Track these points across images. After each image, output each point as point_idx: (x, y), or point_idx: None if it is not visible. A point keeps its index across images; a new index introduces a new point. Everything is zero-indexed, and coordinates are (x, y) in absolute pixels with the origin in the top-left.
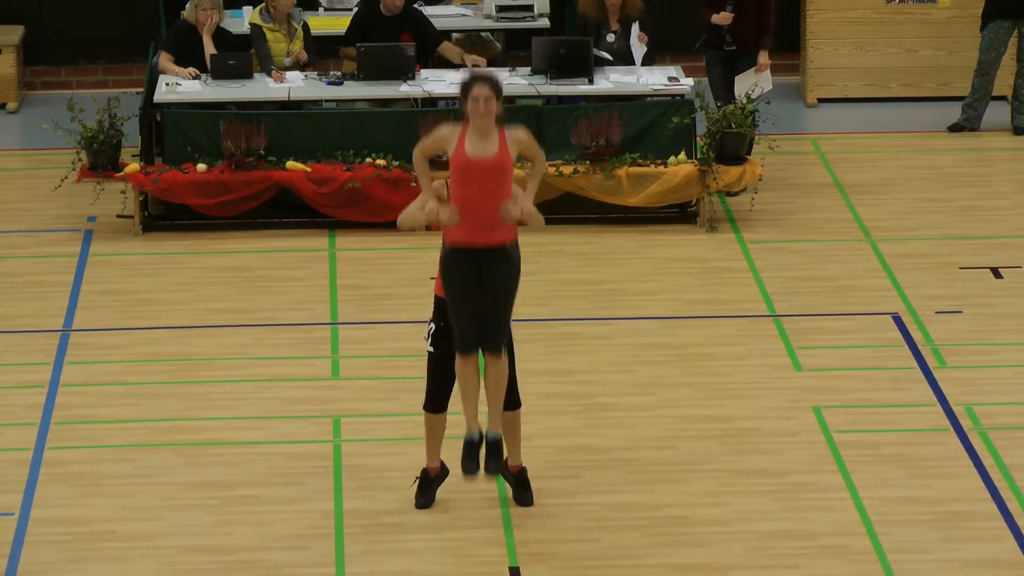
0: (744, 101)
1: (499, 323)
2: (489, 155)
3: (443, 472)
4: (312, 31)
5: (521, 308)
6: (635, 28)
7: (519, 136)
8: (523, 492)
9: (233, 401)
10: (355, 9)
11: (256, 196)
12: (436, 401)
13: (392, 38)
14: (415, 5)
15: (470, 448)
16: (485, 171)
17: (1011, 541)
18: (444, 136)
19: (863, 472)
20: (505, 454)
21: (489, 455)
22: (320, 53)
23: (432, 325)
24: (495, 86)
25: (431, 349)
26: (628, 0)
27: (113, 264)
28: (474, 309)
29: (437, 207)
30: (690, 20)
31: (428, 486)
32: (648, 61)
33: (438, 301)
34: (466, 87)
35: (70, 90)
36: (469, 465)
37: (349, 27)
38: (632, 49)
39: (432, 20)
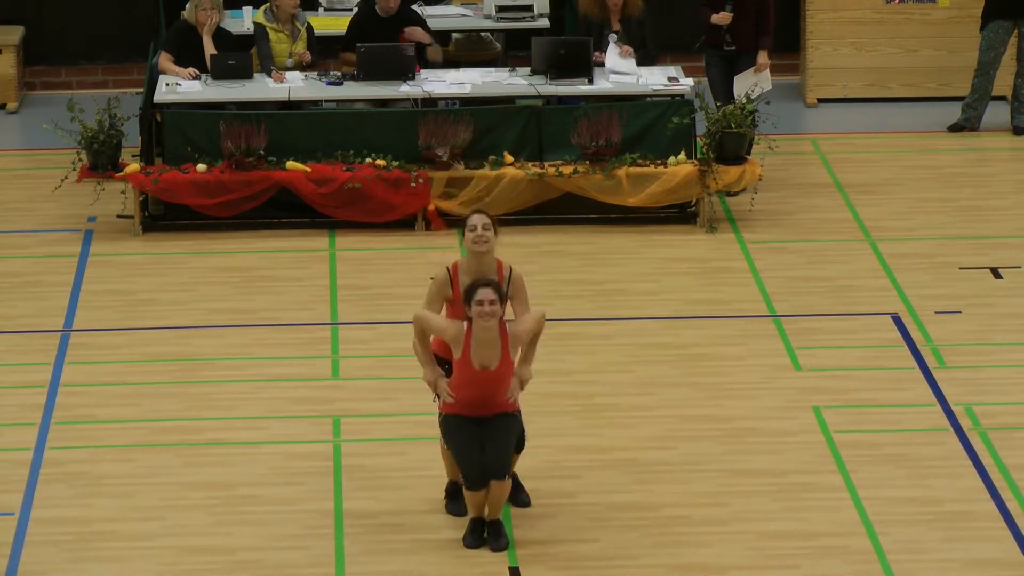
0: (744, 101)
1: (503, 456)
2: (493, 366)
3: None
4: (317, 31)
5: None
6: (612, 39)
7: (520, 335)
8: (517, 493)
9: (233, 401)
10: (355, 10)
11: (256, 196)
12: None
13: (389, 38)
14: (415, 6)
15: (474, 525)
16: (491, 380)
17: (1011, 541)
18: (446, 331)
19: (863, 472)
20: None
21: (493, 535)
22: (320, 53)
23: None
24: (499, 290)
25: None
26: (630, 0)
27: (113, 264)
28: (478, 456)
29: (438, 386)
30: (690, 20)
31: (457, 493)
32: (648, 61)
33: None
34: (469, 292)
35: (70, 90)
36: (471, 540)
37: (347, 31)
38: (616, 66)
39: (432, 20)
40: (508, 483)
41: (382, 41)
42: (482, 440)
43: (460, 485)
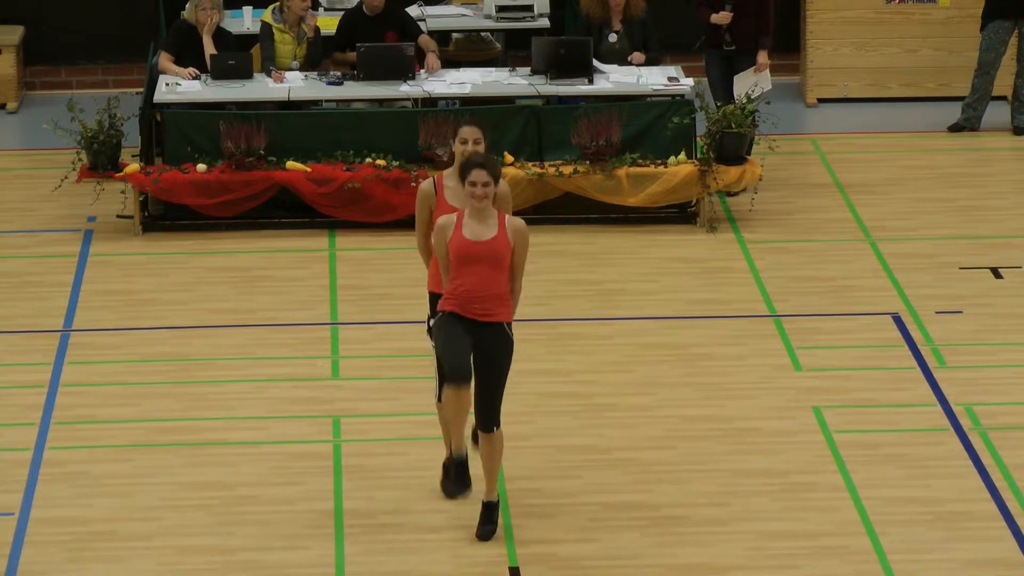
0: (744, 101)
1: (491, 401)
2: (487, 238)
3: (459, 456)
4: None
5: (521, 308)
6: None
7: (518, 226)
8: (484, 523)
9: (233, 401)
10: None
11: (256, 196)
12: (455, 375)
13: (377, 38)
14: (415, 6)
15: (459, 467)
16: (486, 255)
17: (1011, 541)
18: (440, 225)
19: (863, 472)
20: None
21: (483, 520)
22: (325, 53)
23: (431, 321)
24: (493, 171)
25: (434, 345)
26: (632, 0)
27: (113, 264)
28: (467, 347)
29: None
30: (690, 20)
31: (462, 469)
32: (652, 61)
33: (432, 297)
34: (464, 170)
35: (70, 90)
36: (450, 487)
37: (336, 31)
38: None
39: (432, 20)
40: (497, 442)
41: (368, 40)
42: (473, 350)
43: (461, 460)
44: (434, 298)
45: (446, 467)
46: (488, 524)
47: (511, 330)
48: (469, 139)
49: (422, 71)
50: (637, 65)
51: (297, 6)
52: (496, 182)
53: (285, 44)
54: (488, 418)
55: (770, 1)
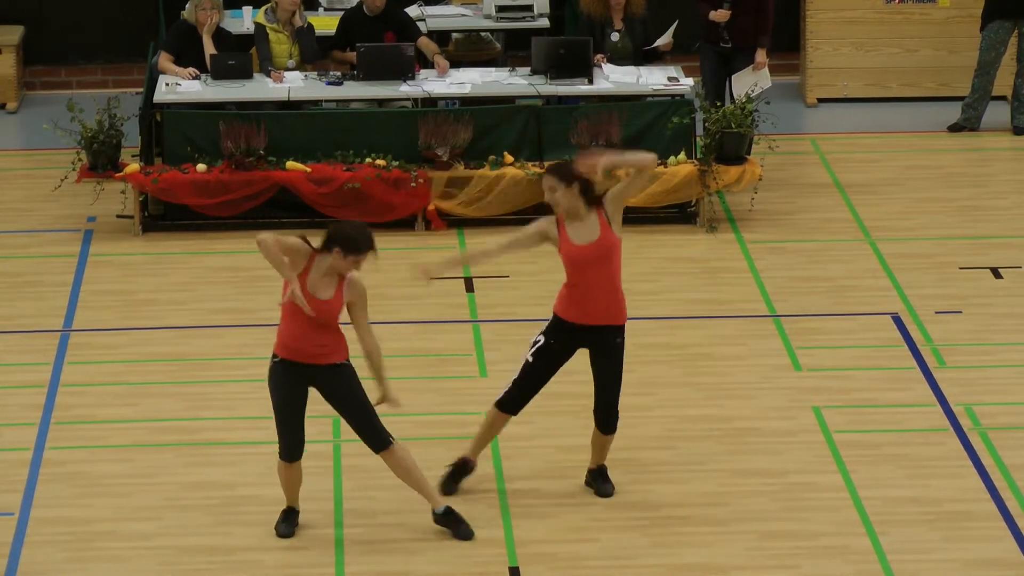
0: (744, 100)
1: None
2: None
3: (472, 467)
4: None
5: (522, 308)
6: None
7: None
8: (604, 482)
9: (233, 401)
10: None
11: (256, 196)
12: (513, 404)
13: (376, 38)
14: (415, 6)
15: (287, 515)
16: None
17: (1011, 541)
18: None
19: (863, 472)
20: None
21: (452, 524)
22: (323, 52)
23: (541, 338)
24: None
25: (530, 359)
26: None
27: (113, 264)
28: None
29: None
30: (690, 20)
31: (460, 474)
32: (650, 60)
33: (555, 319)
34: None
35: (70, 90)
36: (283, 528)
37: (336, 32)
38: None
39: (432, 20)
40: (400, 449)
41: (367, 40)
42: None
43: (471, 467)
44: (556, 320)
45: (455, 467)
46: (460, 524)
47: (350, 366)
48: (546, 189)
49: (422, 71)
50: (663, 50)
51: (286, 4)
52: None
53: (280, 44)
54: (375, 439)
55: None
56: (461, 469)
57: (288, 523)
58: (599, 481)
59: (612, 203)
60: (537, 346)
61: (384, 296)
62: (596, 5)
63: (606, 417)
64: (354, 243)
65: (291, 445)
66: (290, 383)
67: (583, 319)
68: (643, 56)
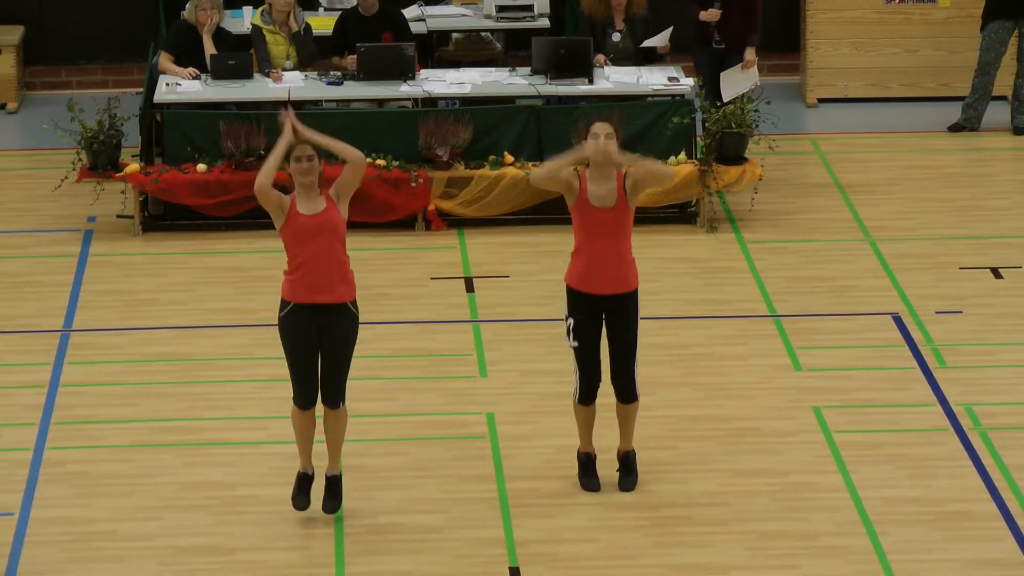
0: (739, 101)
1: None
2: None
3: (593, 456)
4: (313, 31)
5: (522, 308)
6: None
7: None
8: (627, 475)
9: (233, 401)
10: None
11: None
12: (588, 394)
13: (373, 38)
14: (415, 6)
15: (303, 483)
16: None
17: (1011, 541)
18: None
19: (863, 472)
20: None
21: (328, 494)
22: (321, 53)
23: (570, 320)
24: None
25: (574, 344)
26: None
27: (113, 264)
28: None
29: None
30: (690, 20)
31: (589, 466)
32: (650, 60)
33: (570, 293)
34: (587, 126)
35: (70, 90)
36: (301, 500)
37: (333, 33)
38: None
39: (432, 20)
40: (344, 413)
41: (364, 41)
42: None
43: (592, 457)
44: (571, 294)
45: (583, 463)
46: (335, 499)
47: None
48: (600, 134)
49: (423, 71)
50: (661, 52)
51: (280, 5)
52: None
53: (277, 45)
54: (336, 394)
55: None
56: (586, 462)
57: (304, 494)
58: (622, 472)
59: (630, 180)
60: (570, 328)
61: (385, 296)
62: (597, 5)
63: (621, 385)
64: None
65: (305, 392)
66: (302, 329)
67: (591, 288)
68: (642, 56)
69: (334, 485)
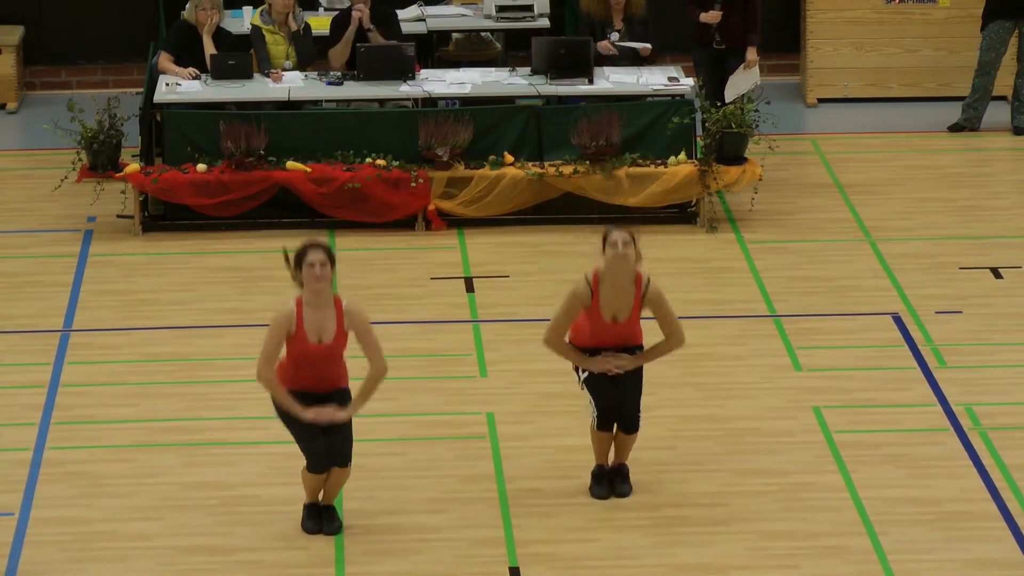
0: (738, 100)
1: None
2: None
3: (605, 468)
4: (312, 31)
5: (522, 308)
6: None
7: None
8: (623, 482)
9: (233, 401)
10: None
11: (256, 196)
12: (604, 421)
13: (363, 38)
14: (415, 6)
15: (312, 511)
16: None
17: (1011, 541)
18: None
19: (863, 472)
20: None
21: (326, 519)
22: (320, 53)
23: (584, 372)
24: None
25: (585, 382)
26: None
27: (113, 264)
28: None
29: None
30: (689, 21)
31: (602, 478)
32: (650, 61)
33: (579, 347)
34: (605, 237)
35: (70, 90)
36: (310, 525)
37: (329, 35)
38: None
39: (432, 20)
40: (345, 476)
41: (359, 40)
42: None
43: (605, 468)
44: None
45: (595, 474)
46: (332, 521)
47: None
48: (619, 241)
49: (423, 71)
50: (643, 54)
51: (279, 5)
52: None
53: (277, 45)
54: (344, 456)
55: None
56: (599, 474)
57: (313, 519)
58: (618, 480)
59: (651, 305)
60: (582, 376)
61: (385, 296)
62: (596, 5)
63: (626, 416)
64: (297, 255)
65: (318, 457)
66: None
67: (599, 344)
68: (634, 56)
69: (330, 511)
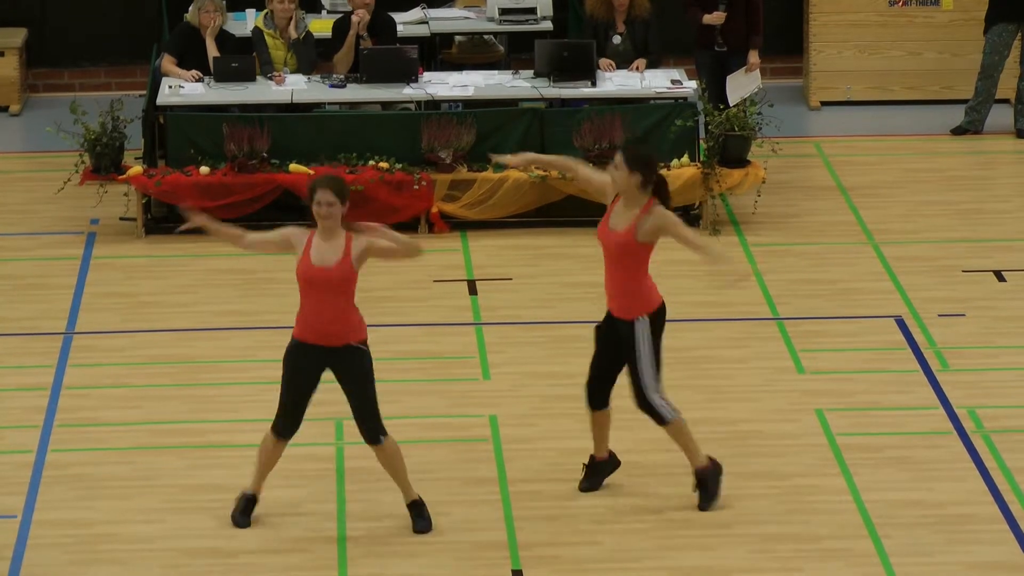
0: (742, 104)
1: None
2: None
3: (613, 461)
4: (315, 34)
5: (525, 311)
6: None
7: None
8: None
9: (236, 404)
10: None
11: (259, 199)
12: (594, 400)
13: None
14: (418, 8)
15: (246, 504)
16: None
17: (1014, 544)
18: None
19: (866, 475)
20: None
21: (413, 516)
22: (323, 56)
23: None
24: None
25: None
26: (636, 1)
27: (116, 267)
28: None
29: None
30: (691, 24)
31: (594, 472)
32: (652, 65)
33: None
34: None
35: (73, 92)
36: (241, 520)
37: (332, 39)
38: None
39: (435, 23)
40: (390, 445)
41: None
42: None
43: (599, 462)
44: None
45: (588, 466)
46: (420, 519)
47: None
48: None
49: (426, 74)
50: (639, 71)
51: (280, 11)
52: (342, 201)
53: (277, 50)
54: (372, 431)
55: (759, 0)
56: (594, 464)
57: (245, 514)
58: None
59: (656, 222)
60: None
61: (388, 299)
62: (599, 7)
63: (641, 409)
64: (308, 189)
65: (287, 424)
66: (303, 365)
67: (608, 302)
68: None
69: (417, 507)
